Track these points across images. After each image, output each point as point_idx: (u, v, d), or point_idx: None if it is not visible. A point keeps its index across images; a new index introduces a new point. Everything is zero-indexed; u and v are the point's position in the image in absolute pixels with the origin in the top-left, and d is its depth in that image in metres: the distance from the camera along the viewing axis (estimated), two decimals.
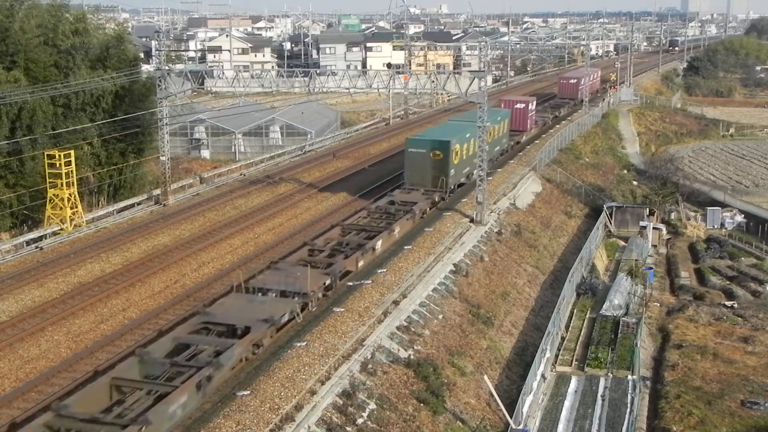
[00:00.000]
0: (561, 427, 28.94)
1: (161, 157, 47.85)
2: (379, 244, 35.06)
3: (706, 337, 37.70)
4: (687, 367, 34.07)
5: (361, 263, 33.01)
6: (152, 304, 30.67)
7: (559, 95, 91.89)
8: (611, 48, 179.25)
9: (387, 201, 42.10)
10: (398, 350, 28.38)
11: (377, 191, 48.25)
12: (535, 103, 70.20)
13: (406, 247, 37.46)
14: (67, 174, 39.65)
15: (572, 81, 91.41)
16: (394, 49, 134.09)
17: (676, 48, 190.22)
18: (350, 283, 32.26)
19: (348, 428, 23.30)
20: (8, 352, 26.12)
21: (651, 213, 58.24)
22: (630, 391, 31.37)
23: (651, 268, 48.07)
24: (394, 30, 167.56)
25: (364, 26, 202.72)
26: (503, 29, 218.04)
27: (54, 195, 39.66)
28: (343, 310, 29.59)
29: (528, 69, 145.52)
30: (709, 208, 62.81)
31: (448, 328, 32.22)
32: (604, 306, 39.66)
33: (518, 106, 64.94)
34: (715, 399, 31.05)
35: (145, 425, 18.94)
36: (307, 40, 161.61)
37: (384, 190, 47.68)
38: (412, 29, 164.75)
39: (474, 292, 36.44)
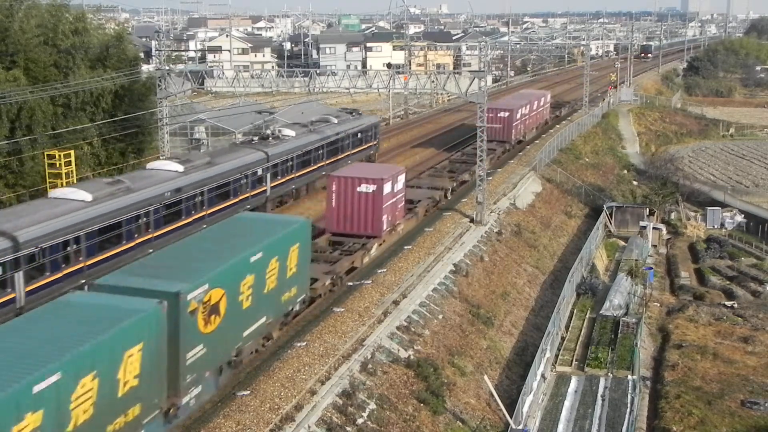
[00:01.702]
0: (561, 427, 28.94)
1: (161, 158, 47.87)
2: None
3: (706, 337, 37.69)
4: (687, 367, 34.06)
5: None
6: None
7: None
8: (611, 48, 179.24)
9: None
10: (398, 350, 28.37)
11: None
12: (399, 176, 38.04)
13: (406, 247, 37.47)
14: (66, 174, 39.64)
15: (502, 114, 61.22)
16: (394, 49, 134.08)
17: (649, 55, 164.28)
18: (350, 283, 32.28)
19: (348, 428, 23.30)
20: None
21: (651, 213, 58.24)
22: (630, 391, 31.36)
23: (651, 268, 48.07)
24: (394, 30, 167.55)
25: (364, 26, 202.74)
26: (503, 29, 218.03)
27: None
28: (343, 310, 29.60)
29: (528, 69, 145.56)
30: (709, 208, 62.81)
31: (448, 328, 32.22)
32: (604, 306, 39.66)
33: (363, 188, 35.43)
34: (715, 399, 31.04)
35: None
36: (307, 40, 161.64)
37: None
38: (412, 29, 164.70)
39: (474, 292, 36.44)
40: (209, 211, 36.21)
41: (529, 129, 68.34)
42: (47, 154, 40.21)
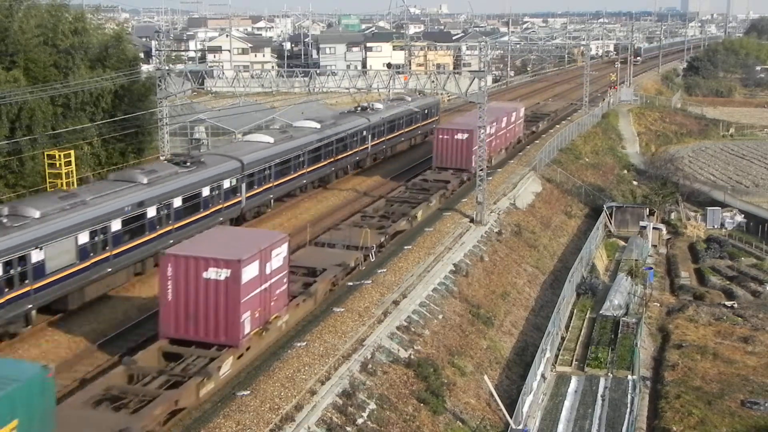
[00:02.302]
0: (561, 427, 28.93)
1: (161, 157, 47.83)
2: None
3: (706, 337, 37.68)
4: (687, 367, 34.05)
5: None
6: (154, 305, 30.63)
7: (435, 162, 51.07)
8: (611, 48, 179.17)
9: None
10: (398, 350, 28.37)
11: None
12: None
13: (406, 247, 37.46)
14: (66, 174, 39.61)
15: (460, 136, 49.94)
16: (394, 49, 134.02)
17: (638, 58, 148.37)
18: (350, 283, 32.26)
19: (348, 428, 23.29)
20: (8, 352, 26.11)
21: (651, 213, 58.23)
22: (630, 391, 31.36)
23: (651, 268, 48.06)
24: (394, 30, 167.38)
25: (364, 26, 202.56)
26: (503, 29, 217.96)
27: None
28: (343, 310, 29.60)
29: (528, 69, 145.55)
30: (709, 208, 62.81)
31: (448, 328, 32.21)
32: (604, 306, 39.65)
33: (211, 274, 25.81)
34: (715, 399, 31.04)
35: None
36: (307, 40, 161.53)
37: None
38: (412, 29, 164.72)
39: (474, 292, 36.43)
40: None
41: (496, 151, 56.03)
42: (47, 154, 40.18)
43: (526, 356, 33.68)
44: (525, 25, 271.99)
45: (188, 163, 36.75)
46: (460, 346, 31.46)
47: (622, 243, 53.94)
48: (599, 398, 30.98)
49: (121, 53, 51.03)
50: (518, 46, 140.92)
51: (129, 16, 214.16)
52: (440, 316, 32.50)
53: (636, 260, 47.99)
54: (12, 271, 25.78)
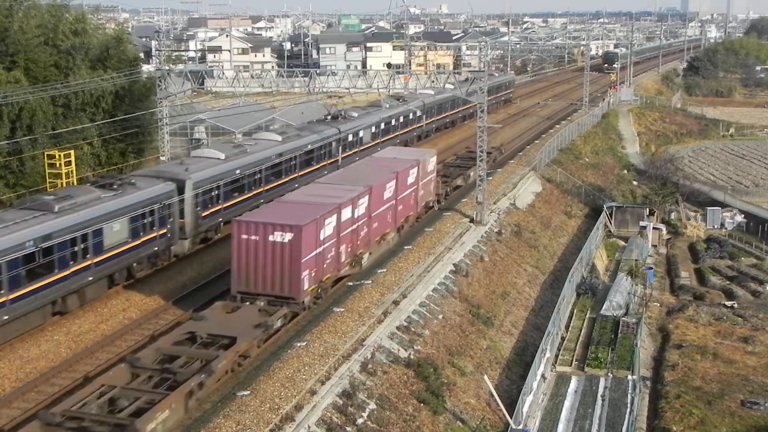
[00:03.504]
0: (561, 427, 28.95)
1: (161, 157, 47.85)
2: None
3: (706, 337, 37.70)
4: (687, 367, 34.06)
5: None
6: (153, 305, 30.67)
7: (236, 285, 28.47)
8: (611, 48, 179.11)
9: None
10: (398, 350, 28.38)
11: None
12: None
13: (406, 247, 37.47)
14: (67, 174, 39.65)
15: (278, 236, 27.99)
16: (394, 49, 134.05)
17: (614, 66, 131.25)
18: (350, 283, 32.28)
19: (348, 428, 23.30)
20: (8, 352, 26.12)
21: (651, 213, 58.24)
22: (630, 391, 31.37)
23: (651, 268, 48.07)
24: (394, 30, 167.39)
25: (364, 26, 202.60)
26: (503, 29, 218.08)
27: None
28: (343, 310, 29.62)
29: (528, 69, 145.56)
30: (709, 208, 62.82)
31: (448, 328, 32.22)
32: (604, 306, 39.66)
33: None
34: (715, 399, 31.05)
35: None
36: (307, 40, 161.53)
37: None
38: (412, 29, 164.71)
39: (474, 292, 36.45)
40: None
41: (363, 246, 33.65)
42: (47, 154, 40.23)
43: (526, 356, 33.69)
44: (525, 25, 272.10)
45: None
46: (460, 346, 31.47)
47: (622, 243, 53.95)
48: (599, 398, 30.99)
49: (121, 53, 51.07)
50: (518, 46, 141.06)
51: (129, 16, 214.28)
52: (440, 316, 32.51)
53: (636, 260, 48.00)
54: None
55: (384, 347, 27.92)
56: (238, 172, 38.74)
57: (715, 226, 60.82)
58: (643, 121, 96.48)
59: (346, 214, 31.09)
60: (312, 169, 46.54)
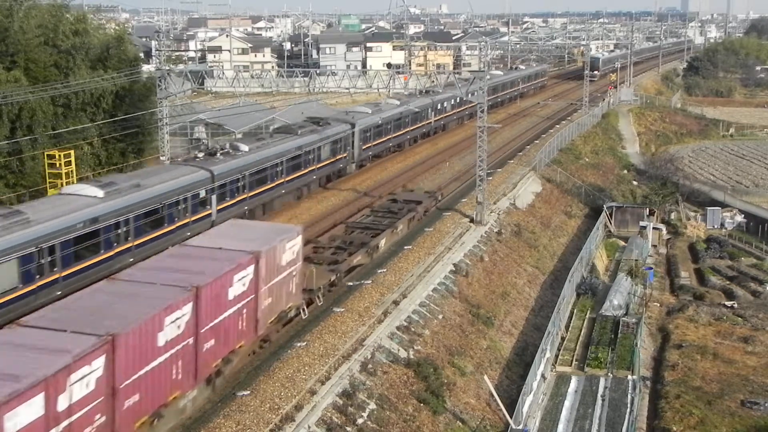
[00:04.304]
0: (561, 427, 28.95)
1: (161, 157, 47.86)
2: None
3: (706, 337, 37.70)
4: (687, 367, 34.07)
5: None
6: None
7: None
8: (611, 48, 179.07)
9: None
10: (398, 350, 28.38)
11: None
12: None
13: (406, 247, 37.48)
14: (67, 174, 39.63)
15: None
16: (394, 49, 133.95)
17: (596, 72, 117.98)
18: (350, 283, 32.28)
19: (348, 428, 23.31)
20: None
21: (651, 213, 58.24)
22: (630, 391, 31.36)
23: (651, 268, 48.08)
24: (394, 30, 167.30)
25: (364, 26, 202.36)
26: (503, 29, 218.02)
27: None
28: (343, 310, 29.61)
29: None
30: (709, 208, 62.82)
31: (448, 328, 32.23)
32: (604, 306, 39.66)
33: None
34: (715, 399, 31.06)
35: None
36: (307, 40, 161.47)
37: None
38: (412, 29, 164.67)
39: (474, 292, 36.45)
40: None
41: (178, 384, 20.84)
42: (47, 154, 40.21)
43: (526, 356, 33.69)
44: (525, 25, 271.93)
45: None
46: (460, 346, 31.48)
47: (622, 243, 53.95)
48: (599, 398, 30.98)
49: (121, 53, 51.09)
50: (518, 46, 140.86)
51: (129, 16, 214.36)
52: (440, 316, 32.51)
53: (636, 260, 48.00)
54: None
55: (384, 347, 27.93)
56: (380, 121, 55.48)
57: (715, 226, 60.83)
58: (643, 121, 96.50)
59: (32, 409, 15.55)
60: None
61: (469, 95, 44.22)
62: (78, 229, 27.98)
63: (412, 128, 62.98)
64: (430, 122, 67.48)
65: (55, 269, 26.95)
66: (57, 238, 26.95)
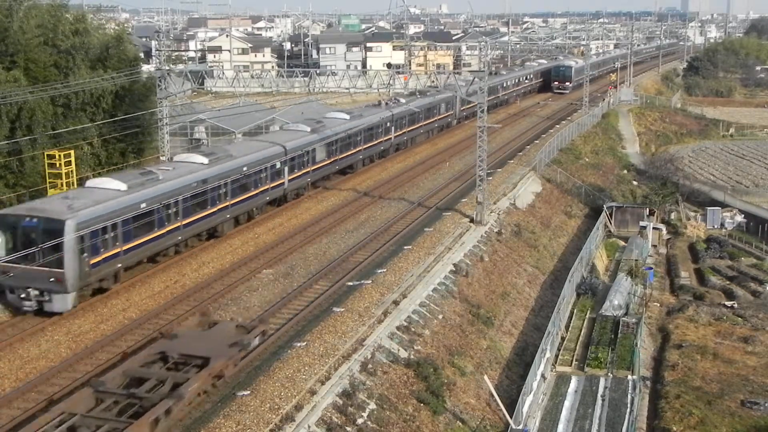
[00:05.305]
0: (561, 427, 28.94)
1: (161, 157, 47.85)
2: None
3: (706, 337, 37.69)
4: (687, 367, 34.06)
5: None
6: (152, 304, 30.65)
7: None
8: (611, 48, 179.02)
9: None
10: (398, 350, 28.38)
11: None
12: None
13: (406, 247, 37.48)
14: (67, 174, 39.62)
15: None
16: (394, 49, 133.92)
17: (567, 84, 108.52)
18: (350, 283, 32.29)
19: (348, 428, 23.30)
20: (8, 352, 26.11)
21: (651, 213, 58.24)
22: (630, 391, 31.36)
23: (651, 268, 48.06)
24: (394, 30, 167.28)
25: (364, 26, 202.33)
26: (503, 29, 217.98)
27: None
28: (343, 310, 29.62)
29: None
30: (709, 208, 62.80)
31: (448, 328, 32.22)
32: (604, 306, 39.65)
33: None
34: (715, 399, 31.05)
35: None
36: (307, 40, 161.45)
37: None
38: (412, 29, 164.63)
39: (474, 292, 36.44)
40: None
41: None
42: (47, 154, 40.19)
43: (526, 356, 33.69)
44: (525, 25, 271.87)
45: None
46: (460, 346, 31.47)
47: (622, 243, 53.93)
48: (599, 398, 30.98)
49: (121, 53, 51.07)
50: (518, 46, 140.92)
51: (129, 16, 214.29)
52: (440, 316, 32.51)
53: (636, 260, 47.99)
54: None
55: (384, 347, 27.92)
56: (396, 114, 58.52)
57: (715, 226, 60.82)
58: (643, 121, 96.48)
59: None
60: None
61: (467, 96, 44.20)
62: (193, 188, 34.37)
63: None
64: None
65: (178, 218, 33.42)
66: (180, 194, 33.38)
